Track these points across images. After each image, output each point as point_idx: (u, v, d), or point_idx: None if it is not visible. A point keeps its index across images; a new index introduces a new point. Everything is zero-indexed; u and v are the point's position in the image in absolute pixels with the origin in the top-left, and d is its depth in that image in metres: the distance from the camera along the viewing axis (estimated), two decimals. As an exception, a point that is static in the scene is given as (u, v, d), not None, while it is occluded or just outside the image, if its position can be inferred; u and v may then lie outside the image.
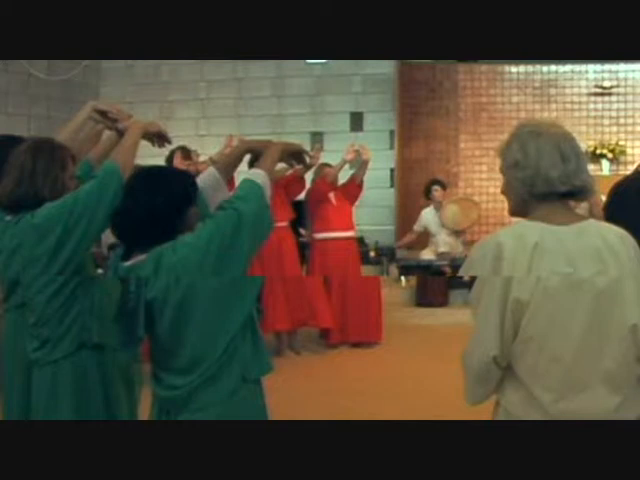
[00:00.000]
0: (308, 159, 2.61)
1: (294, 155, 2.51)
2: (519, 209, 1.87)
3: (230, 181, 3.09)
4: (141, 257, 2.04)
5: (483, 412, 1.95)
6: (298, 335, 6.51)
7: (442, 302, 7.93)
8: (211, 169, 2.45)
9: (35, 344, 2.52)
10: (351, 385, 5.37)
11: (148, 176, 2.14)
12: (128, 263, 2.06)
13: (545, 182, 1.79)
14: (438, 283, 7.93)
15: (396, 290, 8.21)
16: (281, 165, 2.57)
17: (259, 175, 2.18)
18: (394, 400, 4.91)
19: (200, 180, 2.30)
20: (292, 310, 6.22)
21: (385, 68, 9.16)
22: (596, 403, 1.75)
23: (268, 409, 2.19)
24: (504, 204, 1.97)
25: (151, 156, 3.18)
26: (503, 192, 1.91)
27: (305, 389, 5.23)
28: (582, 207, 3.43)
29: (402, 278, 8.41)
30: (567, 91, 9.44)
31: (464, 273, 1.87)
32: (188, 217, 2.10)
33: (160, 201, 2.05)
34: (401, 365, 5.89)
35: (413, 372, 5.62)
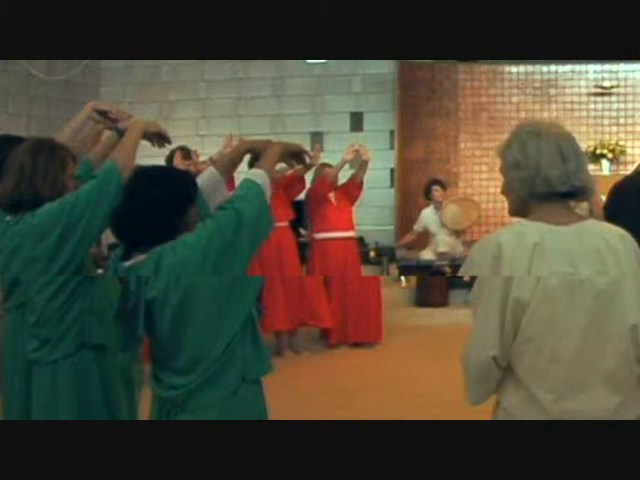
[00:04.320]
0: (308, 159, 2.61)
1: (294, 155, 2.51)
2: (519, 209, 1.87)
3: (230, 181, 3.10)
4: (141, 257, 2.04)
5: (483, 412, 1.95)
6: (298, 335, 6.51)
7: (442, 302, 7.93)
8: (211, 169, 2.45)
9: (35, 344, 2.52)
10: (351, 385, 5.36)
11: (148, 176, 2.14)
12: (128, 263, 2.06)
13: (545, 182, 1.79)
14: (438, 283, 7.93)
15: (396, 290, 8.20)
16: (281, 165, 2.57)
17: (259, 175, 2.18)
18: (394, 400, 4.91)
19: (200, 180, 2.30)
20: (292, 310, 6.22)
21: (385, 68, 9.16)
22: (596, 403, 1.75)
23: (268, 409, 2.19)
24: (504, 204, 1.97)
25: (151, 156, 3.18)
26: (503, 192, 1.91)
27: (305, 389, 5.23)
28: (582, 207, 3.43)
29: (402, 278, 8.40)
30: (567, 91, 9.43)
31: (464, 273, 1.87)
32: (188, 217, 2.10)
33: (160, 201, 2.05)
34: (401, 365, 5.89)
35: (413, 372, 5.62)
